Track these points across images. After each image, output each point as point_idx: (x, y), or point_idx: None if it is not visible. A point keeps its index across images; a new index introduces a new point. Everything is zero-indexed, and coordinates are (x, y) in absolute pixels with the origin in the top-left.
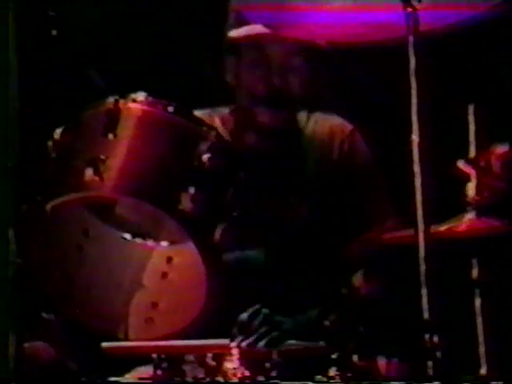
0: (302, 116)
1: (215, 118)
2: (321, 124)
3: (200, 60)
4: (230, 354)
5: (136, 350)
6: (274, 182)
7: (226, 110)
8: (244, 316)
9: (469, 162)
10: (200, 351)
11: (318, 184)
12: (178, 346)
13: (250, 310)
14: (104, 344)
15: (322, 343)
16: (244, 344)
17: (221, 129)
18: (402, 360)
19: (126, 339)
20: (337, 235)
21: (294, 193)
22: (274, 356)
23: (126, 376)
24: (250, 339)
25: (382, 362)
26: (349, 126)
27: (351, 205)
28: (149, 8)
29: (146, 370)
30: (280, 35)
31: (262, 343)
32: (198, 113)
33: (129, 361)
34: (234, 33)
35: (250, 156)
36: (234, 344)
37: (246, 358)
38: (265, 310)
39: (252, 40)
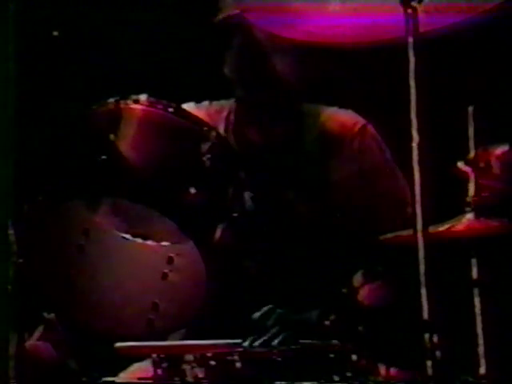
0: (310, 110)
1: (225, 108)
2: (331, 119)
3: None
4: (231, 354)
5: (149, 350)
6: (276, 178)
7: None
8: (256, 315)
9: (468, 162)
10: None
11: (323, 182)
12: (196, 346)
13: (263, 310)
14: (117, 344)
15: (335, 342)
16: (257, 343)
17: (226, 121)
18: (401, 368)
19: (127, 340)
20: (339, 234)
21: (297, 190)
22: (275, 356)
23: (122, 374)
24: (263, 338)
25: (381, 368)
26: (360, 122)
27: (359, 204)
28: (149, 8)
29: (142, 366)
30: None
31: (274, 343)
32: (209, 104)
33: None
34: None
35: (251, 151)
36: (246, 344)
37: (246, 358)
38: (279, 310)
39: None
